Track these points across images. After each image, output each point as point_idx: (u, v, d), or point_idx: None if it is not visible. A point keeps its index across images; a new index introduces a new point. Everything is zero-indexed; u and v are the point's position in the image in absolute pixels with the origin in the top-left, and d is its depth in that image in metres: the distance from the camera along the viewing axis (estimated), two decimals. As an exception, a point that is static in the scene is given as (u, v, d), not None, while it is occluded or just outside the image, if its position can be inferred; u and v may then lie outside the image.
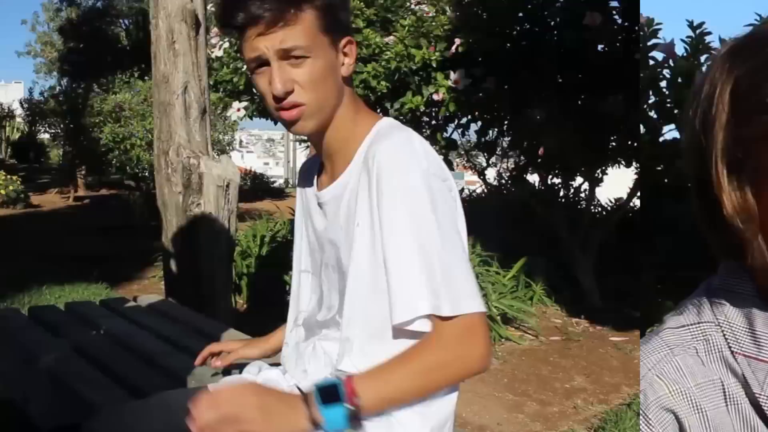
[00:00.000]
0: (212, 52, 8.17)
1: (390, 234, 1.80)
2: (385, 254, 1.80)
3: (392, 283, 1.79)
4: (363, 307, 1.90)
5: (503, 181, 11.11)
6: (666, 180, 5.59)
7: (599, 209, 11.31)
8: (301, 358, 2.13)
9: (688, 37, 5.51)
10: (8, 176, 17.11)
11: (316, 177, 2.18)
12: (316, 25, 1.86)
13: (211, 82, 7.99)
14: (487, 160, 9.46)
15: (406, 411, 1.86)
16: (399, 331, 1.83)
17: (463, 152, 11.31)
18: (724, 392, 1.28)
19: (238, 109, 8.23)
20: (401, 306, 1.78)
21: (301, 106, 1.88)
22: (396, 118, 2.01)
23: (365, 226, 1.86)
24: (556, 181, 9.24)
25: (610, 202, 11.09)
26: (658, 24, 5.63)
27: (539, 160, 7.85)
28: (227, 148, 14.07)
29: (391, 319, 1.80)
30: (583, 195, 10.31)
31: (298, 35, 1.84)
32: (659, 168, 5.66)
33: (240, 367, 2.58)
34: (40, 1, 35.38)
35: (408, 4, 7.88)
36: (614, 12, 6.77)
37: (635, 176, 8.32)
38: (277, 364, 2.32)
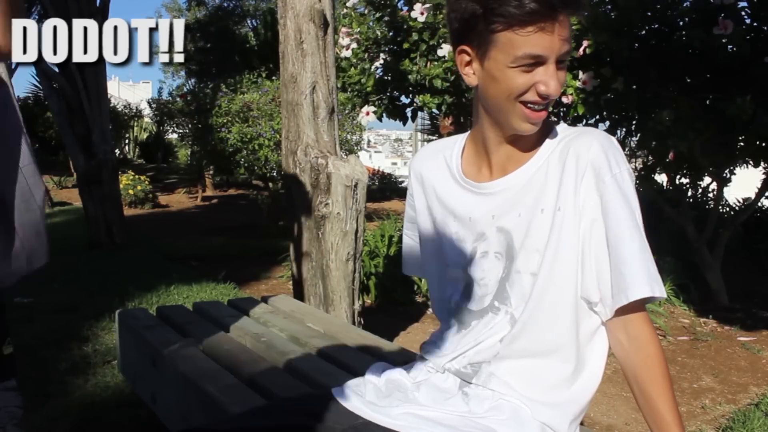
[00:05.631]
0: (340, 53, 8.22)
1: (617, 222, 1.89)
2: (613, 239, 1.88)
3: (623, 264, 1.86)
4: (562, 287, 1.93)
5: (631, 181, 11.08)
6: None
7: (727, 209, 11.24)
8: (459, 348, 2.06)
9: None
10: (136, 176, 17.48)
11: (456, 169, 2.13)
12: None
13: (339, 84, 8.06)
14: (616, 160, 9.41)
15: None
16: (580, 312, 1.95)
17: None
18: None
19: (368, 113, 8.22)
20: (635, 285, 1.84)
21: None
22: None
23: (568, 213, 1.90)
24: (684, 181, 9.18)
25: (738, 202, 11.02)
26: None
27: (667, 161, 7.81)
28: (355, 148, 14.05)
29: (612, 295, 1.87)
30: (711, 195, 10.26)
31: (570, 44, 1.84)
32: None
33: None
34: (162, 1, 36.06)
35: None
36: (743, 12, 6.70)
37: (763, 176, 8.25)
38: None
